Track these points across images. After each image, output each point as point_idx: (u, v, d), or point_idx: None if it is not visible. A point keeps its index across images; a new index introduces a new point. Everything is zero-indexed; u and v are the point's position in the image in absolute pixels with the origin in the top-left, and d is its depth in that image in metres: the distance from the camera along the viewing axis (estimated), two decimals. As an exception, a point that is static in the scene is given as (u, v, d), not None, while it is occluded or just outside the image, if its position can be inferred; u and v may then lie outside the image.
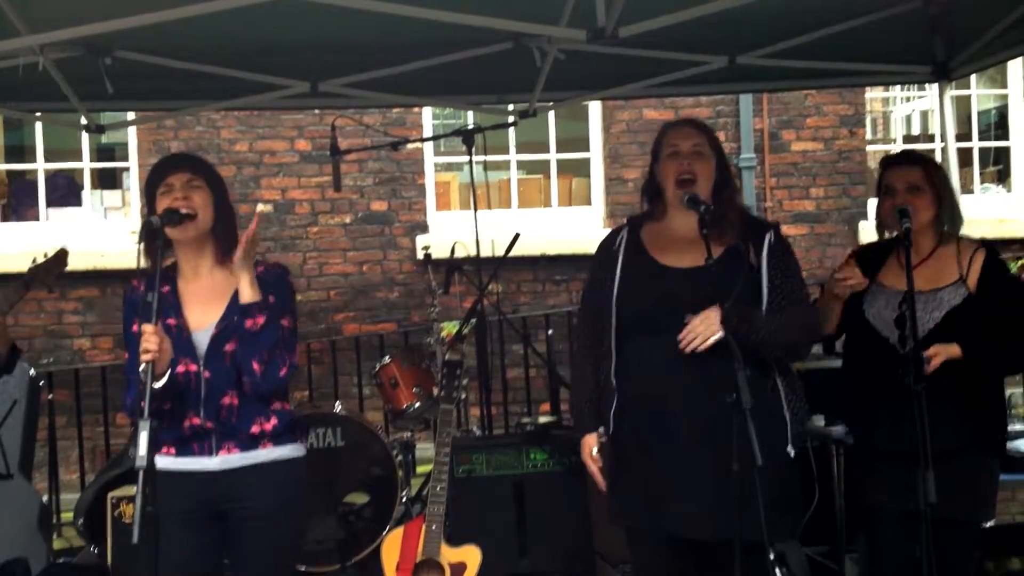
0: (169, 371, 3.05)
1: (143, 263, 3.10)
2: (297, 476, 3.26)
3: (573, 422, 3.55)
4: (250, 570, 3.22)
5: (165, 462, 3.15)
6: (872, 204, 7.98)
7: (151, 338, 2.89)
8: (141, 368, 2.90)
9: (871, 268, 3.60)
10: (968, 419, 3.48)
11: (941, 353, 3.38)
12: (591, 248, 3.51)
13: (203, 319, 3.18)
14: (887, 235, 3.72)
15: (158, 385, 2.96)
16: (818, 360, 5.26)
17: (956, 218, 3.64)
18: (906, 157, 3.74)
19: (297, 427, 3.31)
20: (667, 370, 3.18)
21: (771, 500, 2.94)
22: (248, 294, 3.14)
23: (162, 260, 3.06)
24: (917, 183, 3.57)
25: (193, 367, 3.15)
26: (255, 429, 3.17)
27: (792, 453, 3.24)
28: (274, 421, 3.20)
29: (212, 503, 3.16)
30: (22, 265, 4.10)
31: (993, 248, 3.67)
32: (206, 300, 3.20)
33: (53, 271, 4.02)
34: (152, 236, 3.06)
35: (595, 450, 3.37)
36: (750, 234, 3.27)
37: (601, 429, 3.38)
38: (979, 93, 8.80)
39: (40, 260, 4.03)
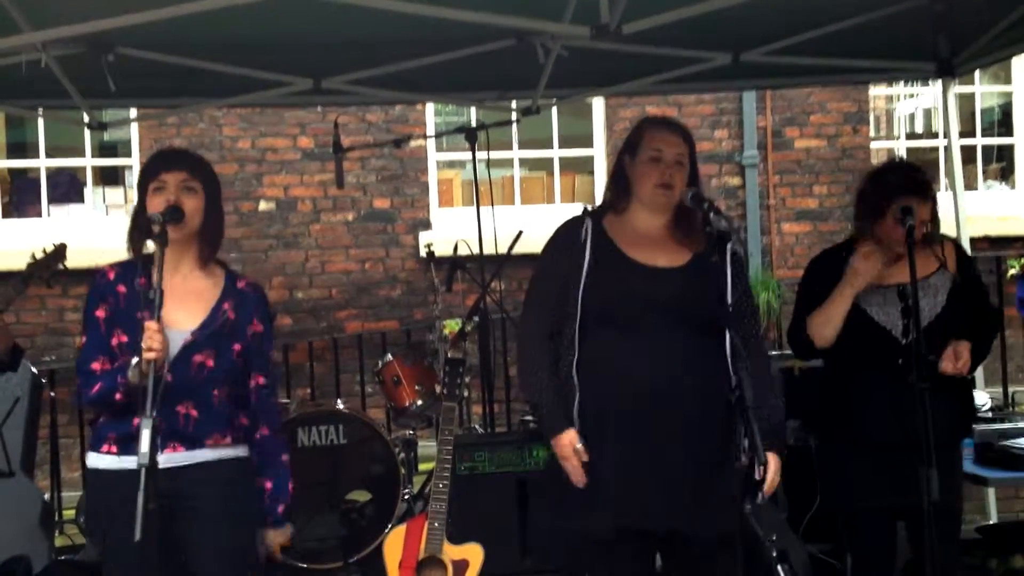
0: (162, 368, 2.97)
1: (131, 254, 3.09)
2: (245, 473, 3.18)
3: (537, 418, 3.35)
4: (204, 570, 3.12)
5: (106, 461, 3.06)
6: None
7: (155, 336, 2.82)
8: (134, 363, 2.87)
9: (839, 272, 3.64)
10: (950, 412, 3.54)
11: (965, 352, 3.44)
12: (594, 246, 3.48)
13: (176, 319, 3.05)
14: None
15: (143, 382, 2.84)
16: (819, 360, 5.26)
17: (937, 223, 3.68)
18: (922, 189, 3.61)
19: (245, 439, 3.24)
20: (632, 368, 3.13)
21: (732, 497, 2.93)
22: None
23: (163, 256, 2.95)
24: (926, 219, 3.57)
25: None
26: (209, 442, 3.10)
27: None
28: (229, 439, 3.13)
29: (161, 499, 2.96)
30: (24, 263, 4.09)
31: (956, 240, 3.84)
32: (182, 301, 3.09)
33: (52, 266, 4.00)
34: (151, 233, 2.98)
35: (579, 444, 3.16)
36: (717, 241, 3.15)
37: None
38: (983, 90, 8.77)
39: (39, 255, 4.01)
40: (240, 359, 3.15)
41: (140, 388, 2.79)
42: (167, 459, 3.01)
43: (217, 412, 3.10)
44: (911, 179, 3.65)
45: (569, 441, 3.18)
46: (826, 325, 3.61)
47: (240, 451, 3.19)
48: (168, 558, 3.03)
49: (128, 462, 2.82)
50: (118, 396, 3.01)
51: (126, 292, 3.12)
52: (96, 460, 3.13)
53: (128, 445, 2.94)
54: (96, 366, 3.11)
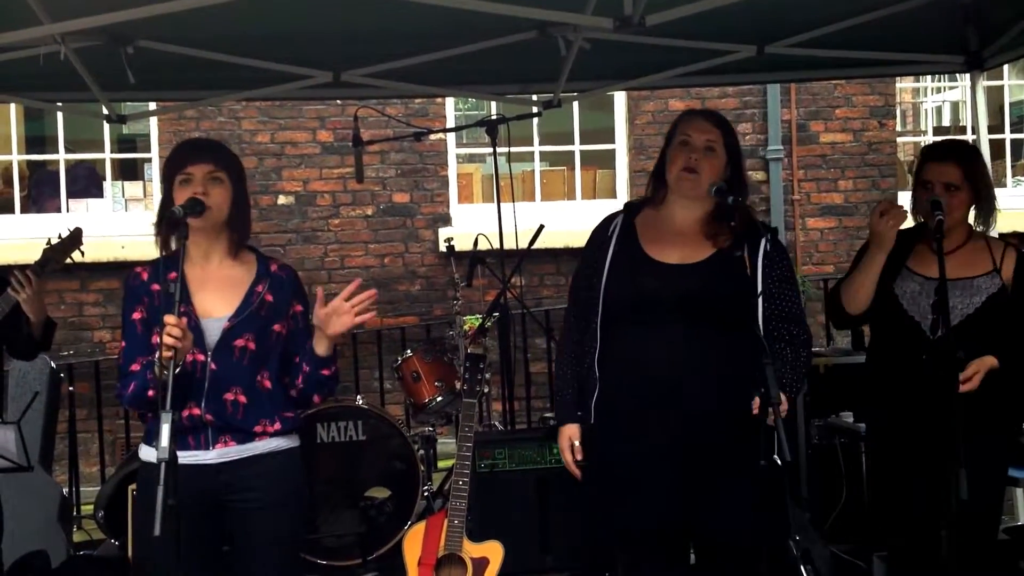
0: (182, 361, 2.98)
1: (157, 247, 3.09)
2: (296, 465, 3.22)
3: (555, 409, 3.48)
4: (256, 561, 3.16)
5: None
6: (903, 197, 7.90)
7: (174, 330, 2.82)
8: (156, 358, 2.85)
9: (899, 253, 3.58)
10: (984, 406, 3.46)
11: (980, 370, 3.37)
12: (615, 241, 3.46)
13: (213, 308, 3.12)
14: (919, 219, 3.69)
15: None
16: (846, 355, 5.21)
17: (990, 216, 3.62)
18: (947, 152, 3.65)
19: (296, 430, 3.25)
20: (647, 364, 3.14)
21: (761, 502, 2.94)
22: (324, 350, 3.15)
23: (184, 251, 3.04)
24: (955, 182, 3.54)
25: (200, 356, 3.07)
26: (257, 428, 3.12)
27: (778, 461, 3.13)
28: (278, 425, 3.15)
29: (211, 495, 3.09)
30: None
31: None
32: (217, 289, 3.14)
33: (68, 251, 3.96)
34: (174, 226, 3.00)
35: (577, 441, 3.27)
36: (746, 237, 3.16)
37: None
38: (1012, 84, 8.68)
39: (55, 241, 3.98)
40: (283, 340, 3.17)
41: (163, 383, 2.79)
42: (220, 454, 3.10)
43: (265, 397, 3.13)
44: (938, 146, 3.75)
45: (568, 435, 3.30)
46: (858, 290, 3.56)
47: (291, 441, 3.21)
48: (207, 550, 3.10)
49: (179, 456, 2.81)
50: (150, 393, 3.02)
51: (160, 290, 3.14)
52: (148, 454, 3.09)
53: (180, 440, 2.93)
54: (135, 367, 3.12)
